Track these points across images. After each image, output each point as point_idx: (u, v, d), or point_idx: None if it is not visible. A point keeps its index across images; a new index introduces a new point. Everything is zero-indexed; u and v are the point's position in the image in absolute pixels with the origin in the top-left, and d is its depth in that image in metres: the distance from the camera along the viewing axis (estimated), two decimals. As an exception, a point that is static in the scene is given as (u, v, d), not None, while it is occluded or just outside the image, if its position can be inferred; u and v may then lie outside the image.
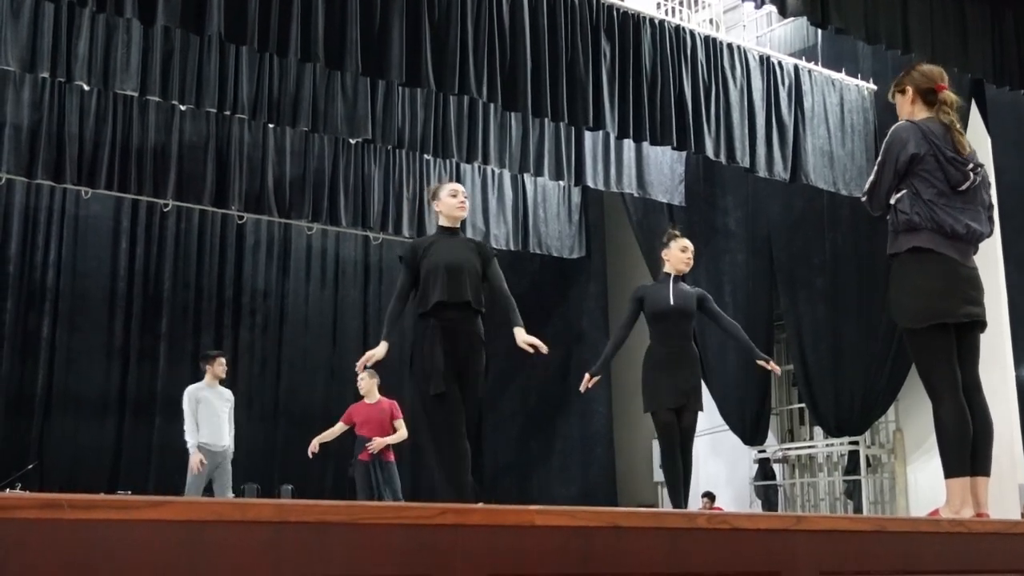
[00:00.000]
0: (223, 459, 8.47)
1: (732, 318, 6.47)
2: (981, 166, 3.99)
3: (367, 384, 8.91)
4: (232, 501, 1.80)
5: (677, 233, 6.35)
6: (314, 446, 8.77)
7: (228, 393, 8.71)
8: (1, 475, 9.20)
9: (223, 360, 8.69)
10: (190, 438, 8.32)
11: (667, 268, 6.17)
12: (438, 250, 5.17)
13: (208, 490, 8.41)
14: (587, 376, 6.26)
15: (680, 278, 6.14)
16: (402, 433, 8.80)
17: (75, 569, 1.58)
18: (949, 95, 4.00)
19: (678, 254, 6.14)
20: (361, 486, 8.70)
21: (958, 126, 3.98)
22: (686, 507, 6.12)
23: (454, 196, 5.30)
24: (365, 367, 5.51)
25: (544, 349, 5.06)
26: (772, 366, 6.23)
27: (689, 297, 6.06)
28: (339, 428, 8.91)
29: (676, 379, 5.92)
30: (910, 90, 4.05)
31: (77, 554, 1.59)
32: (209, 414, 8.47)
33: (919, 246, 3.85)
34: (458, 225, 5.39)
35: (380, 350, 5.17)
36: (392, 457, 8.87)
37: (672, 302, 5.99)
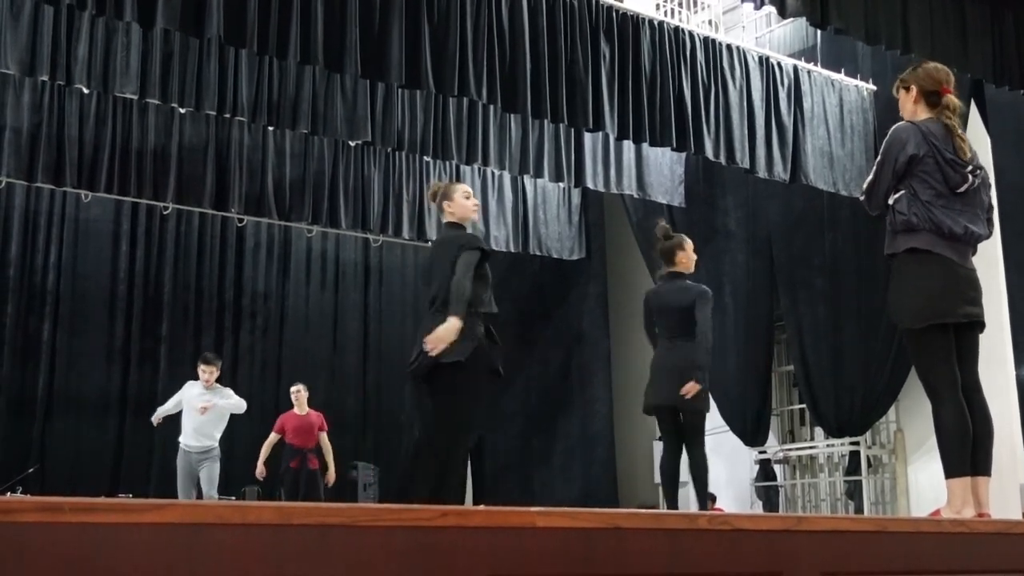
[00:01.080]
0: (204, 459, 8.48)
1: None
2: (981, 168, 3.99)
3: (301, 396, 9.57)
4: (233, 504, 1.80)
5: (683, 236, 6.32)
6: (261, 471, 9.24)
7: (221, 393, 8.67)
8: (2, 478, 9.20)
9: (206, 368, 8.63)
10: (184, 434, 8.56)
11: (679, 268, 6.16)
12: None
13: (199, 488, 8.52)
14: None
15: (684, 276, 6.15)
16: (327, 446, 9.60)
17: (76, 572, 1.58)
18: (952, 100, 3.99)
19: (693, 256, 6.19)
20: (288, 492, 9.04)
21: (959, 131, 3.97)
22: (706, 506, 6.07)
23: (468, 198, 5.21)
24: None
25: (426, 347, 4.75)
26: (688, 388, 5.88)
27: (688, 292, 6.07)
28: (273, 439, 9.48)
29: (675, 380, 5.91)
30: (915, 89, 4.05)
31: (78, 557, 1.59)
32: (189, 416, 8.49)
33: (917, 247, 3.86)
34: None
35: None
36: (316, 465, 9.51)
37: (670, 301, 5.99)
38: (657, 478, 12.04)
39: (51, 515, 1.57)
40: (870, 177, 4.05)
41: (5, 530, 1.53)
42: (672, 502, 6.02)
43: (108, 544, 1.61)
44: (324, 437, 9.55)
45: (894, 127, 4.03)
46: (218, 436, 8.64)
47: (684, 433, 5.97)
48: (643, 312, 6.21)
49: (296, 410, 9.51)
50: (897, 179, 3.93)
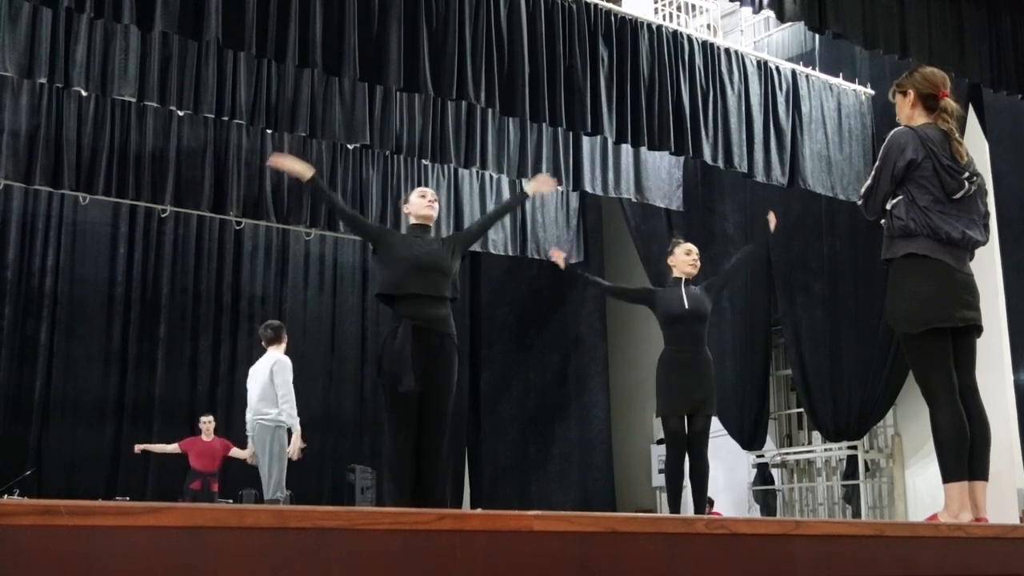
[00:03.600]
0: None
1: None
2: (978, 175, 3.99)
3: (208, 426, 10.23)
4: (230, 507, 1.80)
5: (680, 240, 6.46)
6: (140, 448, 10.11)
7: None
8: (-1, 481, 9.20)
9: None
10: (291, 413, 7.60)
11: (675, 273, 6.24)
12: (407, 243, 5.16)
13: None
14: (558, 254, 6.47)
15: (689, 281, 6.17)
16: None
17: (73, 576, 1.58)
18: (950, 103, 4.00)
19: (683, 258, 6.24)
20: None
21: (956, 135, 3.97)
22: (704, 510, 6.12)
23: (422, 196, 5.32)
24: None
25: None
26: (771, 218, 6.58)
27: (701, 299, 6.10)
28: (171, 449, 10.24)
29: (689, 384, 5.92)
30: (911, 93, 4.04)
31: (75, 561, 1.58)
32: (290, 389, 7.75)
33: (914, 252, 3.86)
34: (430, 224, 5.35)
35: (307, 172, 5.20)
36: (217, 488, 10.05)
37: (687, 305, 6.01)
38: (656, 482, 12.07)
39: (48, 518, 1.57)
40: (868, 182, 4.05)
41: (2, 533, 1.53)
42: (676, 506, 6.04)
43: (105, 547, 1.61)
44: (236, 450, 9.81)
45: (892, 132, 4.03)
46: None
47: (692, 437, 5.99)
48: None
49: (203, 437, 10.19)
50: (895, 184, 3.93)
